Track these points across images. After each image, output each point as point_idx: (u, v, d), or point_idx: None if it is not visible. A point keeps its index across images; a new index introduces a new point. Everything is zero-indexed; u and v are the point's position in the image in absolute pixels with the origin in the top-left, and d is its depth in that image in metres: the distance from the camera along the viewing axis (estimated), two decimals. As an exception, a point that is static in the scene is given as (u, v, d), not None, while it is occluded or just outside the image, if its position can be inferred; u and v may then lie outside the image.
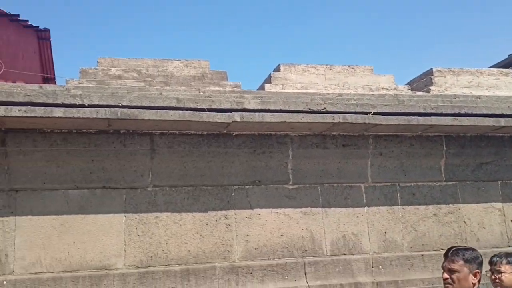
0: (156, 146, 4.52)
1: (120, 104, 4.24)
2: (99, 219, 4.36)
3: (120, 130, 4.44)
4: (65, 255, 4.23)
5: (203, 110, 4.37)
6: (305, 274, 4.58)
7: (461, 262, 2.58)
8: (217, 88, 5.68)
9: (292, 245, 4.68)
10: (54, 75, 9.26)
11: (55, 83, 9.08)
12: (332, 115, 4.53)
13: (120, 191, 4.44)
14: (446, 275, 2.60)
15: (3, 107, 3.90)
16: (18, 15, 5.97)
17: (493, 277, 3.30)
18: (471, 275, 2.57)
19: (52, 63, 8.93)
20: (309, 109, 4.62)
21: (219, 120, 4.30)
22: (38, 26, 7.26)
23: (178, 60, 6.35)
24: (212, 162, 4.66)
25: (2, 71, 5.21)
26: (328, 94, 5.30)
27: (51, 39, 8.05)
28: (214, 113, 4.32)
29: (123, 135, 4.46)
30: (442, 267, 2.68)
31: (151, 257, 4.38)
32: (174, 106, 4.36)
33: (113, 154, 4.44)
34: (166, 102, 4.38)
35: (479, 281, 2.59)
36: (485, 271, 3.17)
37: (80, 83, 5.56)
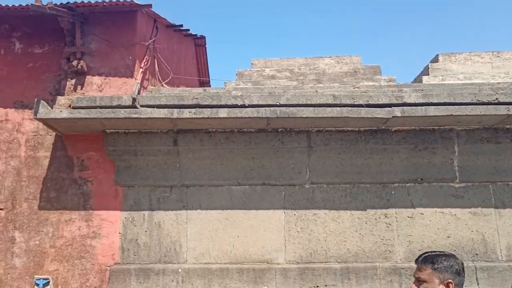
0: (313, 144, 4.54)
1: (278, 103, 4.35)
2: (260, 215, 4.53)
3: (278, 128, 4.55)
4: (230, 247, 4.47)
5: (360, 106, 4.26)
6: (476, 280, 4.20)
7: (429, 270, 2.10)
8: (371, 83, 5.51)
9: (460, 248, 4.33)
10: (209, 78, 9.90)
11: (209, 86, 9.71)
12: (506, 106, 4.08)
13: (279, 187, 4.56)
14: (414, 286, 2.15)
15: (175, 110, 4.26)
16: (181, 25, 6.47)
17: None
18: (442, 286, 2.08)
19: (207, 67, 9.55)
20: (478, 100, 4.23)
21: (378, 116, 4.15)
22: (196, 34, 7.80)
23: (329, 57, 6.32)
24: (370, 159, 4.53)
25: (170, 77, 5.71)
26: (499, 83, 4.81)
27: (206, 45, 8.60)
28: (373, 108, 4.19)
29: (281, 133, 4.57)
30: (413, 275, 2.23)
31: (311, 253, 4.41)
32: (331, 103, 4.33)
33: (272, 152, 4.58)
34: (322, 100, 4.37)
35: None
36: None
37: (237, 84, 5.85)
